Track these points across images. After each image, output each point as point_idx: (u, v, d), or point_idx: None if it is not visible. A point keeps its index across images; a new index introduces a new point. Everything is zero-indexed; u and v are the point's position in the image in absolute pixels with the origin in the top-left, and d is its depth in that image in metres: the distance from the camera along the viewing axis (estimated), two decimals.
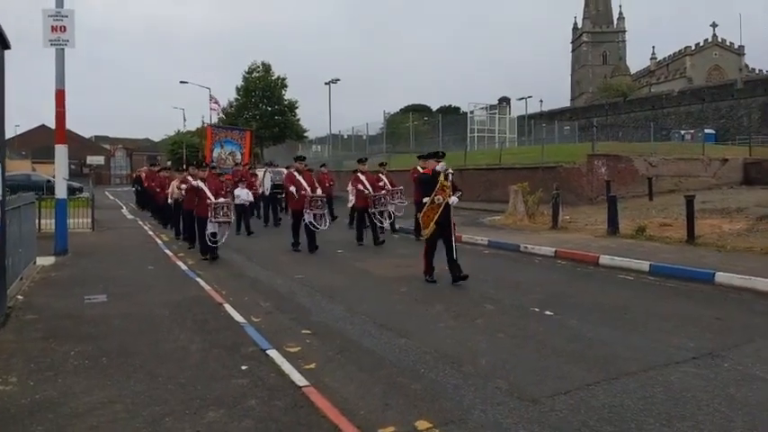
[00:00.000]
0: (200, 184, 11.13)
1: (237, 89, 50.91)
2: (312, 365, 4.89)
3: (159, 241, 14.07)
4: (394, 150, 34.57)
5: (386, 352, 5.25)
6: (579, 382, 4.42)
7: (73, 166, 45.06)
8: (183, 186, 12.19)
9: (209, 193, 10.91)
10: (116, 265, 10.34)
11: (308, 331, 5.95)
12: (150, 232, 16.13)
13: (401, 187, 14.33)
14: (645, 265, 8.96)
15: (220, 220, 10.76)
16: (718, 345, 5.26)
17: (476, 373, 4.66)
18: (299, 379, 4.53)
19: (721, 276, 7.91)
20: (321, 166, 19.49)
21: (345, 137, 41.78)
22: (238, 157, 23.19)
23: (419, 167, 12.57)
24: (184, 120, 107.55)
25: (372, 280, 8.83)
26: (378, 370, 4.80)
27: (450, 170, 8.25)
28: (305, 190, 11.83)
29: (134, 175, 34.85)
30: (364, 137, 39.86)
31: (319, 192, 12.14)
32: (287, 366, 4.83)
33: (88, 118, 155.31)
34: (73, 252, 11.57)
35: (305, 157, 13.33)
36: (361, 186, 13.45)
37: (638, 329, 5.87)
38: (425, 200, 8.16)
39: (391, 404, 4.08)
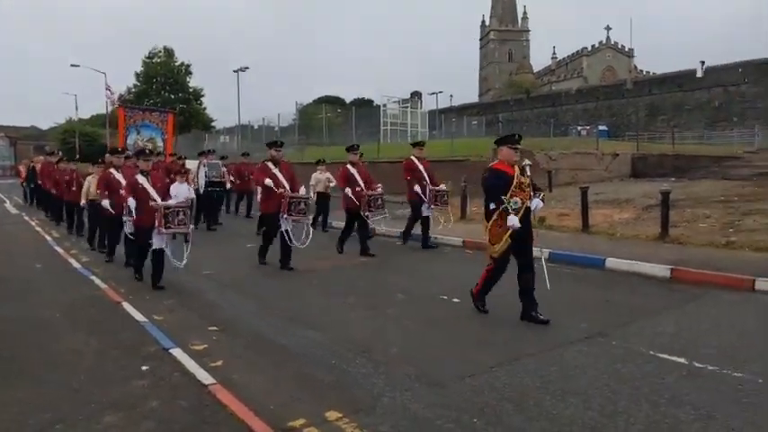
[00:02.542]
0: (143, 180, 7.77)
1: (137, 75, 48.65)
2: (219, 363, 4.78)
3: (49, 238, 13.13)
4: (307, 142, 34.25)
5: (296, 345, 5.22)
6: (483, 365, 4.60)
7: None
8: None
9: (154, 194, 7.67)
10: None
11: (215, 328, 5.80)
12: (38, 228, 15.03)
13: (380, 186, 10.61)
14: (544, 253, 9.42)
15: (175, 230, 7.60)
16: (607, 325, 5.64)
17: (386, 362, 4.74)
18: (204, 377, 4.41)
19: (611, 262, 8.48)
20: (242, 155, 17.57)
21: (256, 127, 40.86)
22: (159, 144, 19.62)
23: (413, 157, 10.82)
24: (77, 107, 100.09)
25: (285, 274, 8.72)
26: (288, 364, 4.77)
27: (528, 161, 6.13)
28: (283, 188, 8.84)
29: (21, 167, 28.63)
30: (276, 128, 39.18)
31: (302, 191, 9.17)
32: (192, 365, 4.69)
33: None
34: None
35: (282, 143, 9.69)
36: (351, 186, 10.23)
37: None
38: (493, 206, 5.95)
39: (301, 397, 4.08)
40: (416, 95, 54.87)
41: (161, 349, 5.13)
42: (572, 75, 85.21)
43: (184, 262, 7.90)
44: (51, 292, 7.51)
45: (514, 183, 5.84)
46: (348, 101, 70.63)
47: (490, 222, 6.00)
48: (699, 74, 50.85)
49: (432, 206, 10.62)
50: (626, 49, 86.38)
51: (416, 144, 11.45)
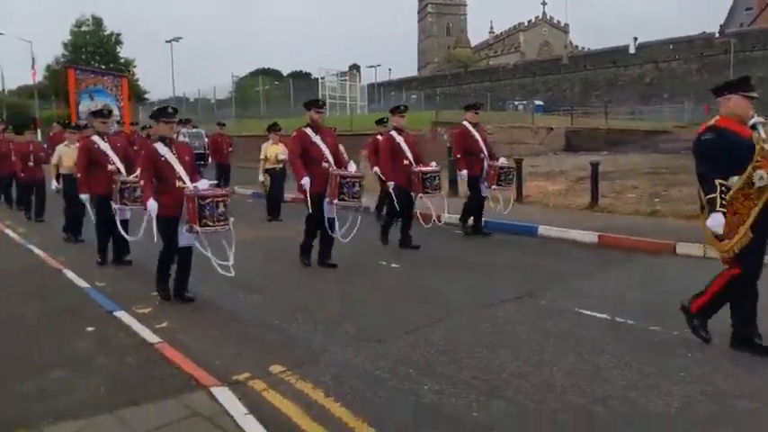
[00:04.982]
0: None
1: (65, 45, 46.40)
2: (164, 324, 4.86)
3: None
4: (244, 115, 33.62)
5: (240, 308, 5.33)
6: (420, 322, 4.86)
7: None
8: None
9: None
10: None
11: None
12: None
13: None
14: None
15: (215, 227, 5.49)
16: (536, 286, 6.00)
17: (326, 321, 4.94)
18: (150, 336, 4.51)
19: (542, 229, 8.93)
20: (218, 125, 15.04)
21: (191, 100, 39.76)
22: (116, 113, 16.71)
23: (466, 123, 8.73)
24: (2, 77, 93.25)
25: (223, 245, 8.67)
26: (232, 325, 4.90)
27: (760, 118, 4.24)
28: (326, 162, 6.73)
29: None
30: (212, 100, 38.31)
31: (352, 167, 6.93)
32: (137, 326, 4.75)
33: None
34: None
35: (324, 103, 7.36)
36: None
37: (472, 276, 6.53)
38: (723, 181, 3.99)
39: (245, 354, 4.23)
40: (355, 68, 54.62)
41: (105, 312, 5.16)
42: (509, 49, 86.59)
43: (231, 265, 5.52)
44: None
45: (756, 151, 4.02)
46: (285, 73, 69.27)
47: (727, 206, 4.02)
48: (632, 50, 52.82)
49: (493, 187, 8.64)
50: (562, 25, 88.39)
51: (470, 107, 8.99)
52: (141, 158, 5.76)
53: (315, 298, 5.69)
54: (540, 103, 46.18)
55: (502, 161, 8.77)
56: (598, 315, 5.01)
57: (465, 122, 8.81)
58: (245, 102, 38.81)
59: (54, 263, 7.17)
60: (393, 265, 7.05)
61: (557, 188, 13.62)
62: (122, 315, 5.05)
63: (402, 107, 8.38)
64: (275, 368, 3.94)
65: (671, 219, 9.18)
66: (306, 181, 6.58)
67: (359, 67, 58.94)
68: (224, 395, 3.50)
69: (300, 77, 54.45)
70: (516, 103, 48.64)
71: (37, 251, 7.95)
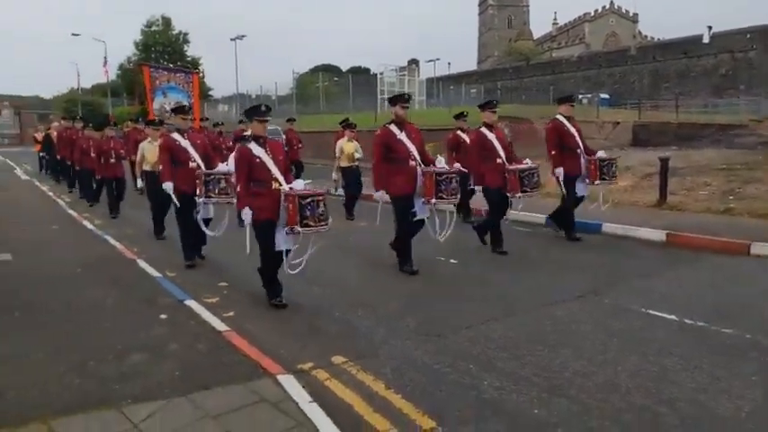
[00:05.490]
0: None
1: (136, 44, 48.78)
2: (231, 313, 5.07)
3: (61, 202, 13.39)
4: (304, 111, 34.27)
5: (304, 300, 5.47)
6: (480, 318, 4.86)
7: None
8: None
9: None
10: (16, 226, 9.91)
11: (225, 283, 6.09)
12: (50, 193, 15.30)
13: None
14: (541, 219, 9.63)
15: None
16: (600, 284, 5.87)
17: (388, 315, 5.01)
18: (218, 325, 4.73)
19: (607, 227, 8.68)
20: (287, 121, 14.30)
21: (253, 96, 40.83)
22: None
23: (561, 116, 8.09)
24: (78, 76, 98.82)
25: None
26: (295, 316, 5.06)
27: None
28: (414, 159, 6.37)
29: (38, 135, 23.54)
30: (273, 97, 39.24)
31: (440, 162, 6.50)
32: (206, 315, 4.99)
33: None
34: None
35: (410, 97, 7.12)
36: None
37: (533, 274, 6.43)
38: None
39: (309, 344, 4.36)
40: (414, 63, 54.46)
41: (176, 301, 5.45)
42: (573, 41, 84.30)
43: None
44: (70, 251, 7.83)
45: None
46: (344, 69, 70.00)
47: None
48: (705, 39, 50.05)
49: (596, 182, 8.02)
50: (630, 14, 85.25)
51: (564, 99, 8.41)
52: (235, 160, 5.51)
53: (377, 292, 5.78)
54: (606, 96, 44.73)
55: (600, 154, 8.13)
56: (666, 316, 4.87)
57: (559, 116, 8.12)
58: (306, 98, 39.58)
59: (129, 253, 7.58)
60: (452, 261, 7.05)
61: (622, 184, 13.17)
62: (192, 304, 5.32)
63: (494, 102, 7.89)
64: (337, 359, 4.05)
65: (746, 217, 8.75)
66: (379, 195, 6.47)
67: (418, 61, 58.84)
68: (289, 383, 3.64)
69: (359, 73, 54.94)
70: (580, 96, 47.22)
71: (112, 242, 8.39)
